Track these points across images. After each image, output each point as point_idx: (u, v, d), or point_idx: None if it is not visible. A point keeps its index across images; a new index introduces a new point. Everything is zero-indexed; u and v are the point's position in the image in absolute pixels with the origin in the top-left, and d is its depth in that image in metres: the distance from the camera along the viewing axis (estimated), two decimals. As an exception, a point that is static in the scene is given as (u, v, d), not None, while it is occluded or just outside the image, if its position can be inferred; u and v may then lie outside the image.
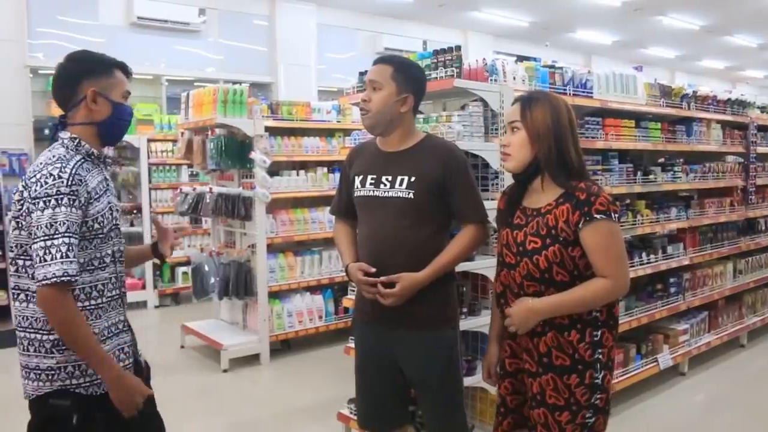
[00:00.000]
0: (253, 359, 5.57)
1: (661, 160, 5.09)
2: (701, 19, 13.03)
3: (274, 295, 5.74)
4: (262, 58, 11.39)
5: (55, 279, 1.89)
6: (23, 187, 2.01)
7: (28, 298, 2.05)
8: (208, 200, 5.68)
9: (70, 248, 1.93)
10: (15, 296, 2.08)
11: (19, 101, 8.68)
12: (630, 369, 4.53)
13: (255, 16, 11.32)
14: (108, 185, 2.20)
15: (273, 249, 5.78)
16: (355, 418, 3.16)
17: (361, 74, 3.98)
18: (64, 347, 2.02)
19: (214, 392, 5.01)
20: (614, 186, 4.26)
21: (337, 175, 6.16)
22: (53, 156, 2.04)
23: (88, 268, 2.07)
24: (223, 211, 5.57)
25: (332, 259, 6.09)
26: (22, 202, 2.00)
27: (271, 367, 5.55)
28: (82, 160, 2.09)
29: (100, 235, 2.10)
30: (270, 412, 4.66)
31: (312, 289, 6.04)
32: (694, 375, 5.13)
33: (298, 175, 6.04)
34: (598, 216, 2.11)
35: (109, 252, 2.16)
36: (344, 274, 2.84)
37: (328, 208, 5.93)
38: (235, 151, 5.54)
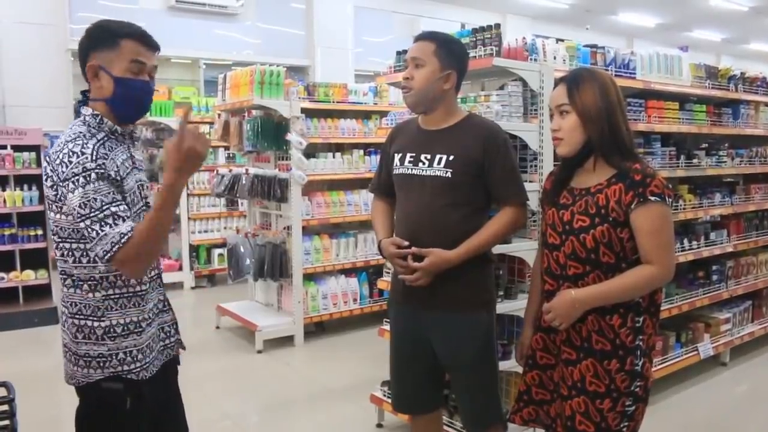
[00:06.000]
0: (287, 341, 5.59)
1: (705, 145, 4.95)
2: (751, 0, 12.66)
3: (309, 277, 5.76)
4: (299, 41, 11.41)
5: (117, 247, 1.80)
6: (51, 170, 1.89)
7: (75, 283, 1.95)
8: (244, 182, 5.71)
9: (115, 216, 1.83)
10: (63, 281, 1.98)
11: (60, 84, 8.85)
12: (669, 357, 4.44)
13: (292, -1, 11.33)
14: (134, 163, 2.05)
15: (308, 231, 5.79)
16: (389, 400, 3.15)
17: (399, 54, 3.92)
18: (115, 335, 1.94)
19: (249, 373, 5.05)
20: (656, 170, 4.14)
21: (374, 157, 6.15)
22: (73, 133, 1.90)
23: None
24: (259, 192, 5.59)
25: (367, 242, 6.08)
26: (54, 186, 1.89)
27: (305, 349, 5.57)
28: (105, 138, 1.95)
29: (132, 215, 1.95)
30: (303, 393, 4.68)
31: (347, 271, 6.04)
32: (735, 366, 5.00)
33: (334, 157, 6.04)
34: (652, 198, 2.04)
35: None
36: (379, 256, 2.81)
37: (364, 191, 5.99)
38: (272, 132, 5.54)
